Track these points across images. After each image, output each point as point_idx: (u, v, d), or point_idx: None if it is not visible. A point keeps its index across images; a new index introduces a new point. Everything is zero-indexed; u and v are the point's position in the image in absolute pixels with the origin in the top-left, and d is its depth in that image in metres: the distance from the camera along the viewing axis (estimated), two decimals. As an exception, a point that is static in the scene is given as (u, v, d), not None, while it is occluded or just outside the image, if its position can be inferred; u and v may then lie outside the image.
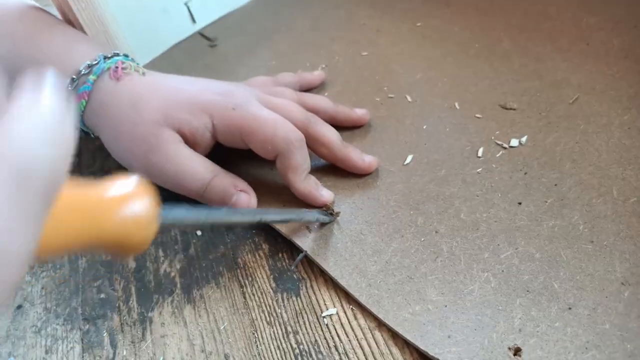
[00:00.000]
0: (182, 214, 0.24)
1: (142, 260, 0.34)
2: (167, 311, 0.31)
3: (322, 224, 0.33)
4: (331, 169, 0.36)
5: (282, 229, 0.33)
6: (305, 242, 0.32)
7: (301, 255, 0.31)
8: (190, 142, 0.33)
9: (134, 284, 0.33)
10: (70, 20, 0.40)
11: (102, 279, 0.33)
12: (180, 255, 0.34)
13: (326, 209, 0.33)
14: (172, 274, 0.33)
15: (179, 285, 0.32)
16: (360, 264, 0.30)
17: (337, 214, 0.33)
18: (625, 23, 0.42)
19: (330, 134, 0.35)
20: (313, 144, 0.35)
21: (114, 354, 0.30)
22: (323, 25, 0.50)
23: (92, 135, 0.37)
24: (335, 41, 0.48)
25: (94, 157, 0.42)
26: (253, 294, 0.31)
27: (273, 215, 0.30)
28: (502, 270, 0.28)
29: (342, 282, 0.29)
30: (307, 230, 0.33)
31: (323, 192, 0.34)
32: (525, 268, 0.28)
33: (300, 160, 0.32)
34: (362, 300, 0.29)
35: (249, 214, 0.30)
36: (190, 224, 0.25)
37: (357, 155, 0.35)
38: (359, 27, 0.49)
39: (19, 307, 0.33)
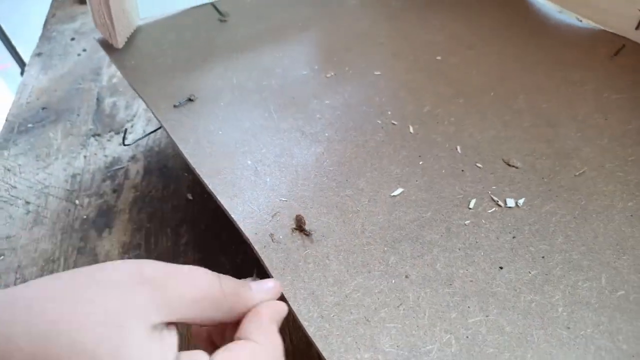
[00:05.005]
0: None
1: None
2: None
3: None
4: (314, 186, 0.33)
5: (247, 233, 0.30)
6: (266, 252, 0.29)
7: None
8: None
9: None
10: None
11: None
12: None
13: (299, 223, 0.30)
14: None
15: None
16: (318, 291, 0.27)
17: (309, 233, 0.30)
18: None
19: None
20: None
21: None
22: (341, 32, 0.48)
23: None
24: (350, 52, 0.46)
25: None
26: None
27: None
28: (467, 336, 0.26)
29: (294, 307, 0.26)
30: (270, 239, 0.30)
31: (253, 286, 0.24)
32: (492, 340, 0.26)
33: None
34: (310, 331, 0.26)
35: None
36: None
37: None
38: (377, 44, 0.47)
39: None
